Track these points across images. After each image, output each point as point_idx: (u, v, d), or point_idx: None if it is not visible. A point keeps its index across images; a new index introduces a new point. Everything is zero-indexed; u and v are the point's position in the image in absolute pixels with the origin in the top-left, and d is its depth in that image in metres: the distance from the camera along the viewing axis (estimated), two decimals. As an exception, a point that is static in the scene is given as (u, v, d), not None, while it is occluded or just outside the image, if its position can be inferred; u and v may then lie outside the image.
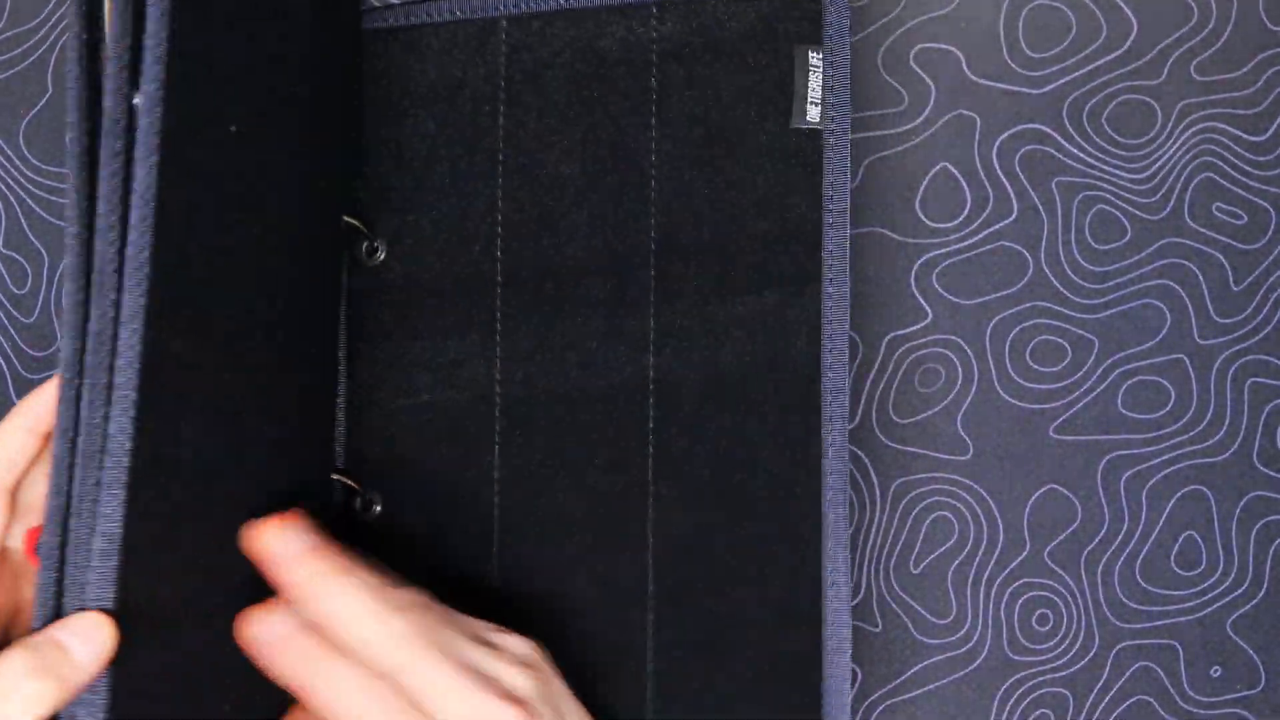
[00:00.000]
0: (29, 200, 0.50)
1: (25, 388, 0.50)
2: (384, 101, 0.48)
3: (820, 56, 0.46)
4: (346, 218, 0.48)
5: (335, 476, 0.47)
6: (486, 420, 0.47)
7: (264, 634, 0.38)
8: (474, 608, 0.42)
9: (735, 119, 0.46)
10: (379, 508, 0.48)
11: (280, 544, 0.38)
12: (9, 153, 0.50)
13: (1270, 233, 0.50)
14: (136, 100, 0.37)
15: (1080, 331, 0.50)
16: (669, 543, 0.46)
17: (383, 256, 0.48)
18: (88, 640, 0.34)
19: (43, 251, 0.50)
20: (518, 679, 0.39)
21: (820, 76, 0.46)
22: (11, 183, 0.50)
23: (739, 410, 0.46)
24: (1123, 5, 0.50)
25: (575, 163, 0.47)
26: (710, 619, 0.47)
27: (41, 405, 0.38)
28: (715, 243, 0.46)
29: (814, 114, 0.46)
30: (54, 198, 0.50)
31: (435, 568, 0.47)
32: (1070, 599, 0.50)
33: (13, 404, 0.50)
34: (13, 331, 0.50)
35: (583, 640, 0.46)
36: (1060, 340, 0.50)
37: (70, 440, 0.36)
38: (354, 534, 0.45)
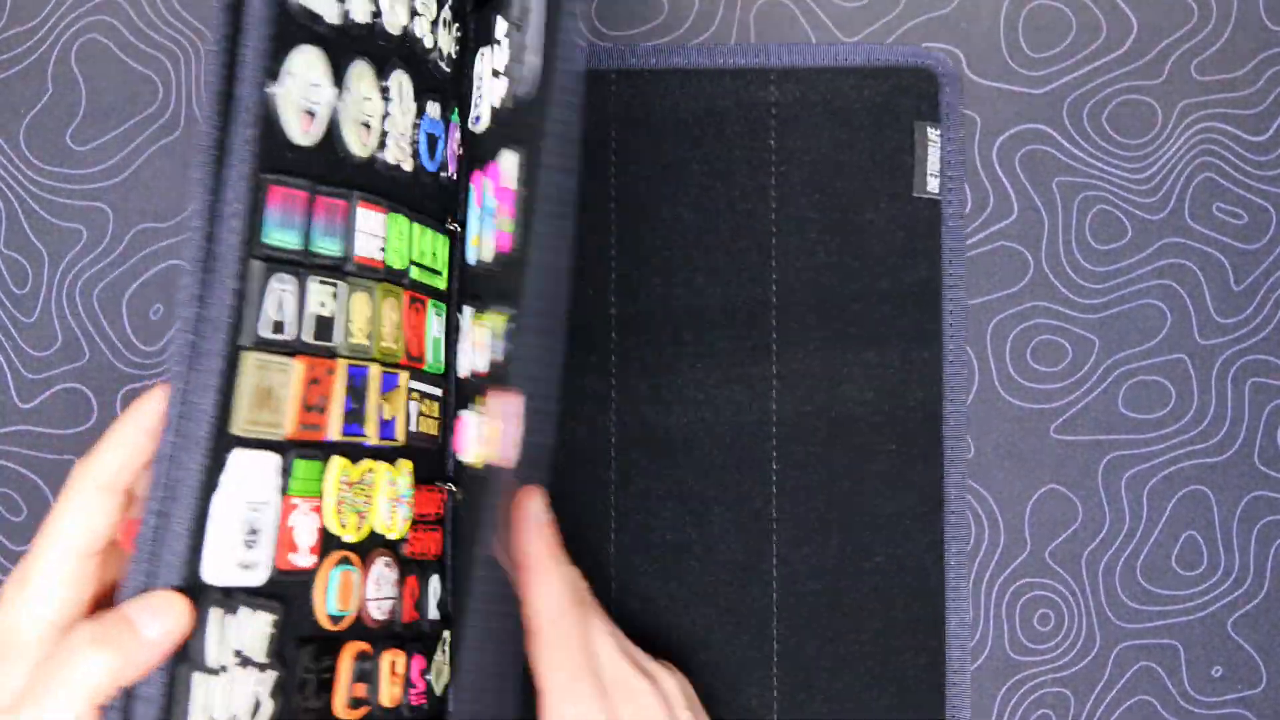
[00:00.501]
0: (29, 200, 0.50)
1: (26, 387, 0.50)
2: None
3: (939, 133, 0.49)
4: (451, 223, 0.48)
5: (446, 485, 0.48)
6: (603, 458, 0.49)
7: (529, 510, 0.42)
8: None
9: (854, 184, 0.49)
10: None
11: (535, 507, 0.43)
12: (10, 153, 0.50)
13: (1270, 233, 0.50)
14: (271, 89, 0.38)
15: (1081, 331, 0.50)
16: (792, 573, 0.48)
17: None
18: (159, 616, 0.35)
19: (43, 251, 0.50)
20: (644, 698, 0.41)
21: (939, 151, 0.49)
22: (12, 182, 0.50)
23: (858, 449, 0.49)
24: (1123, 5, 0.50)
25: (691, 211, 0.49)
26: (833, 643, 0.49)
27: (155, 405, 0.38)
28: (836, 298, 0.49)
29: (933, 185, 0.49)
30: (54, 197, 0.50)
31: None
32: (1071, 599, 0.50)
33: (14, 404, 0.50)
34: (13, 331, 0.50)
35: (707, 667, 0.48)
36: (1061, 340, 0.50)
37: (176, 430, 0.36)
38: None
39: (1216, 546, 0.50)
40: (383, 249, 0.42)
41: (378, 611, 0.43)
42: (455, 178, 0.47)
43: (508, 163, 0.43)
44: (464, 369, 0.45)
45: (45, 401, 0.51)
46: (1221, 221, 0.50)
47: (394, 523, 0.44)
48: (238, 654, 0.38)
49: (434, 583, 0.47)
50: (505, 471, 0.39)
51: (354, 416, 0.42)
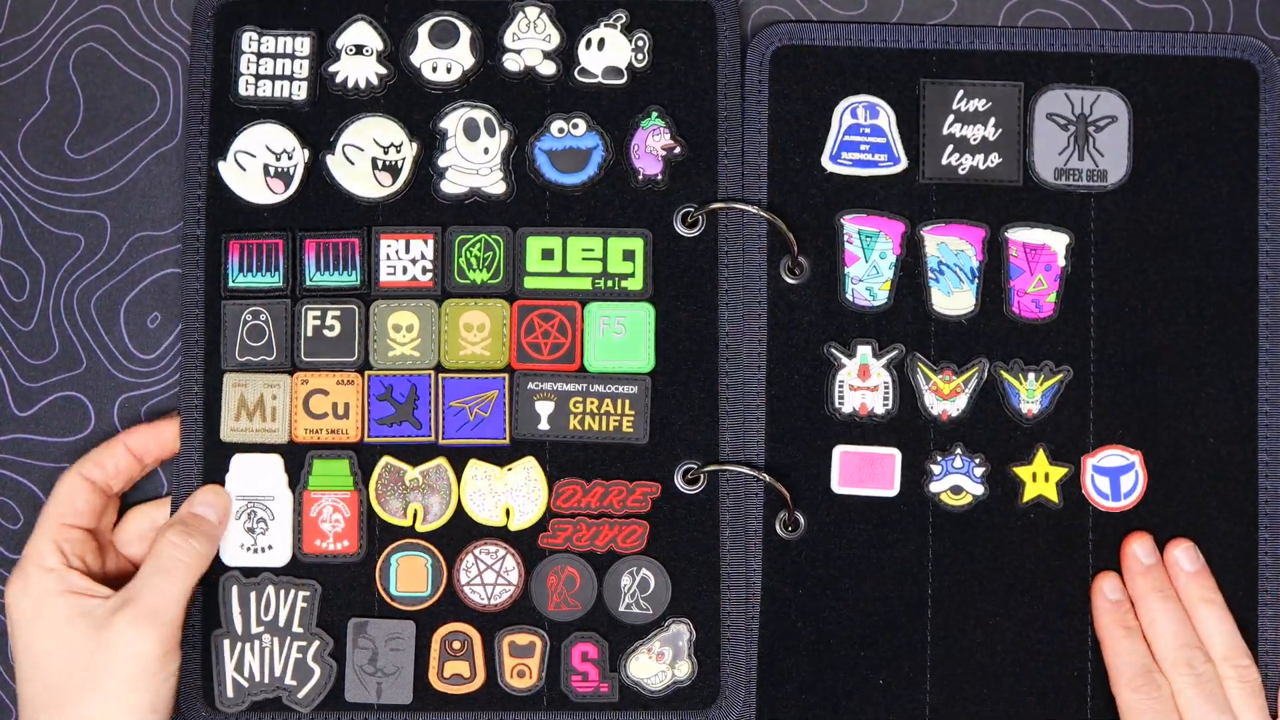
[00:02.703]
0: (27, 209, 0.51)
1: (23, 395, 0.50)
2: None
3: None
4: (773, 216, 0.49)
5: (765, 477, 0.48)
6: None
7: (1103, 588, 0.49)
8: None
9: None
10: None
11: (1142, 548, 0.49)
12: (7, 161, 0.51)
13: None
14: (218, 164, 0.45)
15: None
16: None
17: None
18: (211, 503, 0.48)
19: (41, 260, 0.50)
20: None
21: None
22: (10, 191, 0.51)
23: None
24: (1118, 12, 0.51)
25: None
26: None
27: (150, 431, 0.49)
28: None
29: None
30: (52, 206, 0.50)
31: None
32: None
33: (11, 412, 0.50)
34: (10, 340, 0.50)
35: None
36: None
37: (181, 440, 0.49)
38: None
39: None
40: (428, 270, 0.49)
41: (480, 596, 0.48)
42: (659, 177, 0.49)
43: (1052, 240, 0.49)
44: (933, 409, 0.49)
45: (42, 409, 0.51)
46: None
47: (499, 514, 0.48)
48: (268, 624, 0.48)
49: (631, 576, 0.48)
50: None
51: (395, 419, 0.49)
